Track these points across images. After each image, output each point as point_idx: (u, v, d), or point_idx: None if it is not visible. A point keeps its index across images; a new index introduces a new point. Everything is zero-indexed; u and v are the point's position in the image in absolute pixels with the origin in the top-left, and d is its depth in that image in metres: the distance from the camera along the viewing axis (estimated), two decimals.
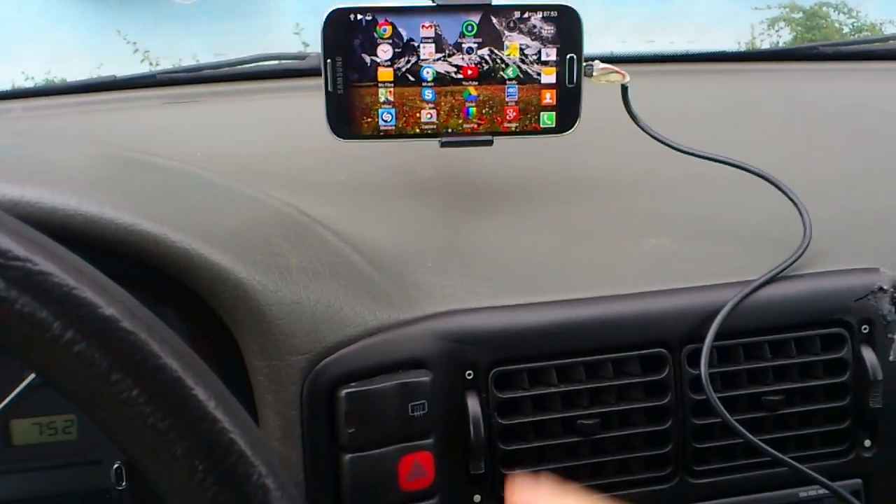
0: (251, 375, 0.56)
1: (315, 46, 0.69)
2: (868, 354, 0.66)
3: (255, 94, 0.86)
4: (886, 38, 1.19)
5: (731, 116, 0.89)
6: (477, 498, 0.61)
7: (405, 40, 0.69)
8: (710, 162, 0.73)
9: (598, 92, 0.71)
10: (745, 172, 0.73)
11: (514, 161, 0.76)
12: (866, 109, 0.93)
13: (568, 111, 0.72)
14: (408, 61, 0.70)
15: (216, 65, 0.86)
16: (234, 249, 0.56)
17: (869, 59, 1.05)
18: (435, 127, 0.71)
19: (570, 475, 0.62)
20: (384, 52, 0.69)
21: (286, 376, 0.55)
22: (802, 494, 0.66)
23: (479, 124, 0.71)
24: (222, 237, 0.57)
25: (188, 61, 0.88)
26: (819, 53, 1.05)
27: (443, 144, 0.71)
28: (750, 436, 0.62)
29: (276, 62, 0.87)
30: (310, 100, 0.72)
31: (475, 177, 0.75)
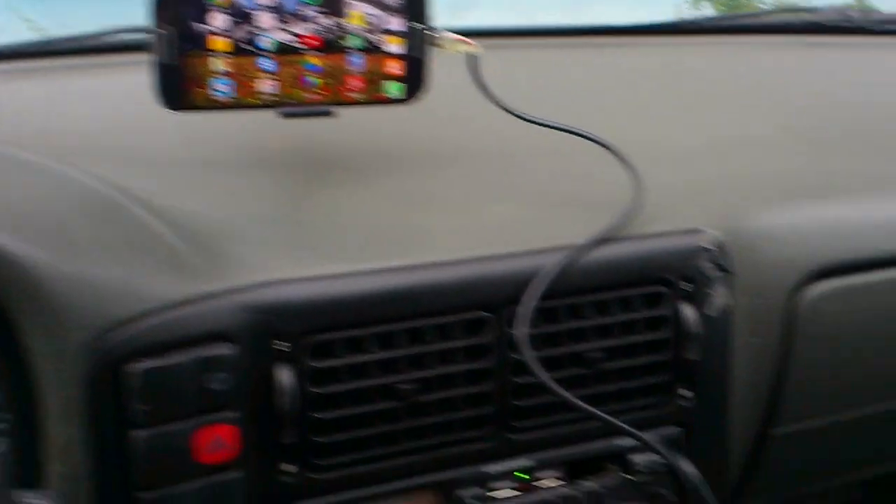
0: (31, 357, 0.54)
1: None
2: (687, 310, 0.68)
3: (105, 67, 0.84)
4: (769, 13, 1.20)
5: (597, 90, 0.90)
6: (293, 468, 0.60)
7: (242, 9, 0.67)
8: (560, 133, 0.73)
9: (451, 63, 0.70)
10: (592, 143, 0.73)
11: (361, 132, 0.75)
12: (730, 82, 0.94)
13: (415, 81, 0.71)
14: (246, 31, 0.68)
15: (67, 38, 0.83)
16: (14, 228, 0.54)
17: (745, 33, 1.06)
18: (276, 98, 0.69)
19: (388, 440, 0.62)
20: (218, 20, 0.67)
21: (67, 354, 0.53)
22: (618, 443, 0.69)
23: (322, 95, 0.70)
24: (5, 216, 0.55)
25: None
26: (698, 27, 1.06)
27: (283, 115, 0.69)
28: (564, 392, 0.63)
29: (129, 35, 0.84)
30: None
31: (319, 149, 0.74)
